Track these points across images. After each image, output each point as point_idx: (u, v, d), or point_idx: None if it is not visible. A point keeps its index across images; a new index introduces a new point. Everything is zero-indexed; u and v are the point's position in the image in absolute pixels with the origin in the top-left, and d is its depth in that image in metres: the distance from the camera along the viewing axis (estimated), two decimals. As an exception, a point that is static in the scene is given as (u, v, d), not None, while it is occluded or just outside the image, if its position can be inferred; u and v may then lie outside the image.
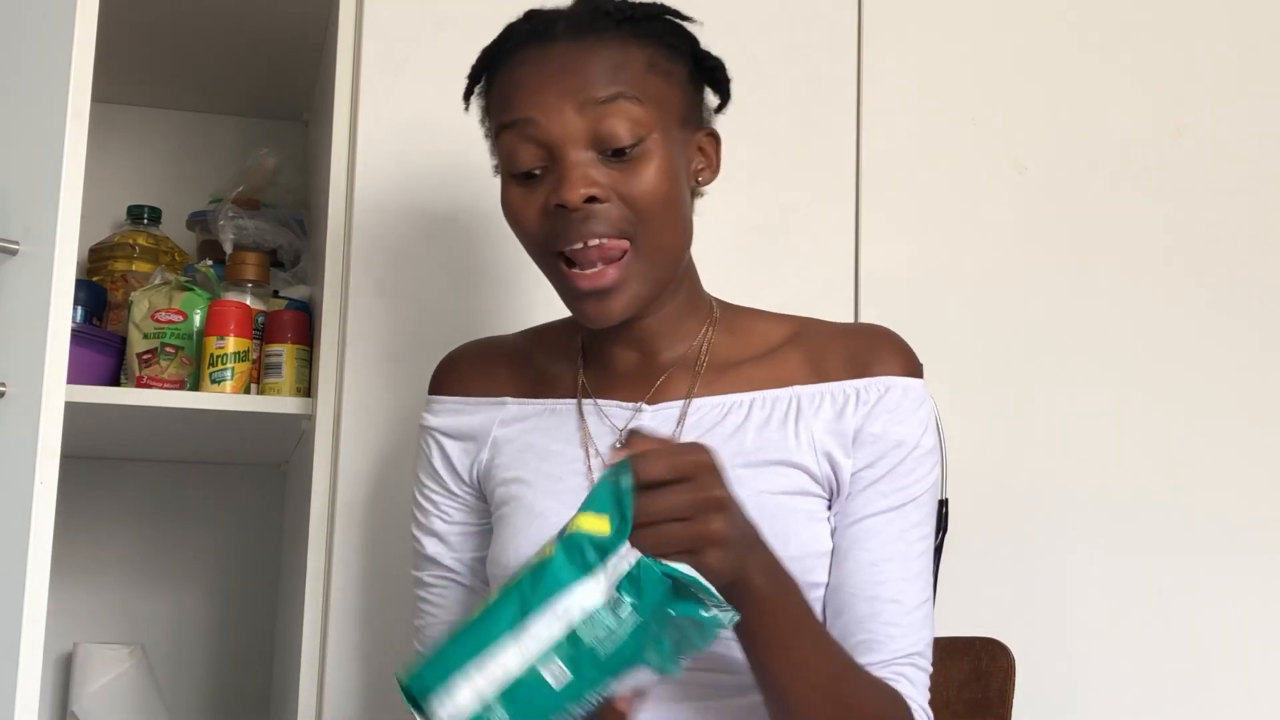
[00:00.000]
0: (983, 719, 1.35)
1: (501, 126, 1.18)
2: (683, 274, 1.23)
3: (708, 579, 0.94)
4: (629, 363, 1.24)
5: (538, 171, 1.16)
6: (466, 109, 1.26)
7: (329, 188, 1.67)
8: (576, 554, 0.91)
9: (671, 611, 0.92)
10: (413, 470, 1.32)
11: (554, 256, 1.16)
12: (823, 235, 1.76)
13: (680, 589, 0.92)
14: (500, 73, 1.20)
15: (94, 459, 2.09)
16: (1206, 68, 1.91)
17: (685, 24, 1.22)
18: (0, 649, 1.15)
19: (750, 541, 1.01)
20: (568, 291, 1.18)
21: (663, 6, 1.22)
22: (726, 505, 0.96)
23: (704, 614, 0.92)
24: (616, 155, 1.15)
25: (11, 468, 1.20)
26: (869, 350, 1.22)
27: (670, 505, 0.94)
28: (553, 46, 1.17)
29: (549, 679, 0.89)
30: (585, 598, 0.90)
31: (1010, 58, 1.85)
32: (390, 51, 1.68)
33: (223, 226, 1.87)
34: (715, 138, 1.25)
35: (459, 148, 1.67)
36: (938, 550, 1.71)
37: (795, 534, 1.16)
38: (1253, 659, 1.80)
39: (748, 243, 1.73)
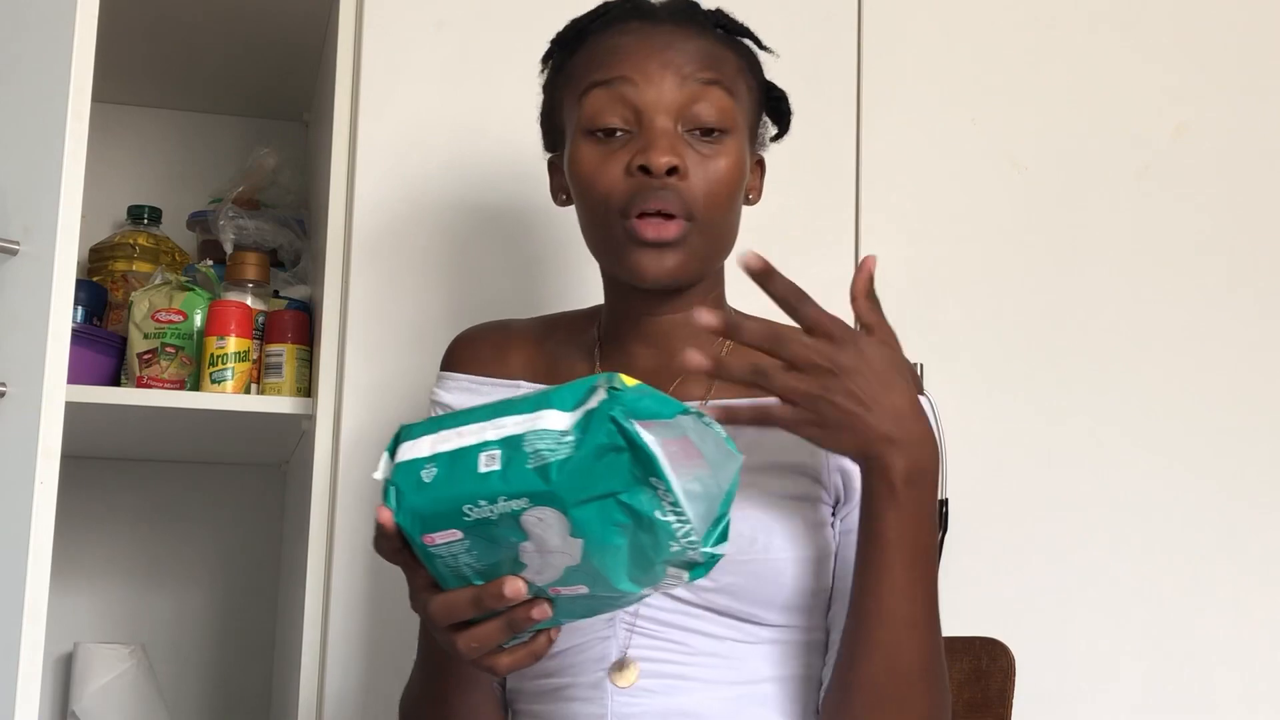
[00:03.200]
0: (983, 719, 1.35)
1: (593, 84, 1.20)
2: (715, 279, 1.26)
3: (824, 443, 1.05)
4: (647, 360, 1.25)
5: (619, 133, 1.18)
6: (543, 71, 1.28)
7: (329, 188, 1.67)
8: (580, 385, 0.95)
9: (624, 498, 0.91)
10: None
11: (619, 216, 1.18)
12: (823, 235, 1.76)
13: (635, 484, 0.91)
14: (596, 38, 1.23)
15: (94, 459, 2.09)
16: (1206, 67, 1.91)
17: (763, 51, 1.27)
18: (0, 649, 1.15)
19: (902, 438, 1.07)
20: (627, 243, 1.18)
21: (748, 29, 1.27)
22: (851, 373, 1.05)
23: (655, 513, 0.91)
24: (703, 135, 1.18)
25: (11, 468, 1.20)
26: None
27: (796, 353, 1.05)
28: (658, 25, 1.21)
29: (481, 461, 0.93)
30: (554, 418, 0.93)
31: (1010, 58, 1.85)
32: (390, 51, 1.68)
33: (223, 226, 1.87)
34: (763, 167, 1.30)
35: (459, 147, 1.67)
36: (938, 550, 1.71)
37: (810, 538, 1.18)
38: (1252, 659, 1.80)
39: (748, 243, 1.72)
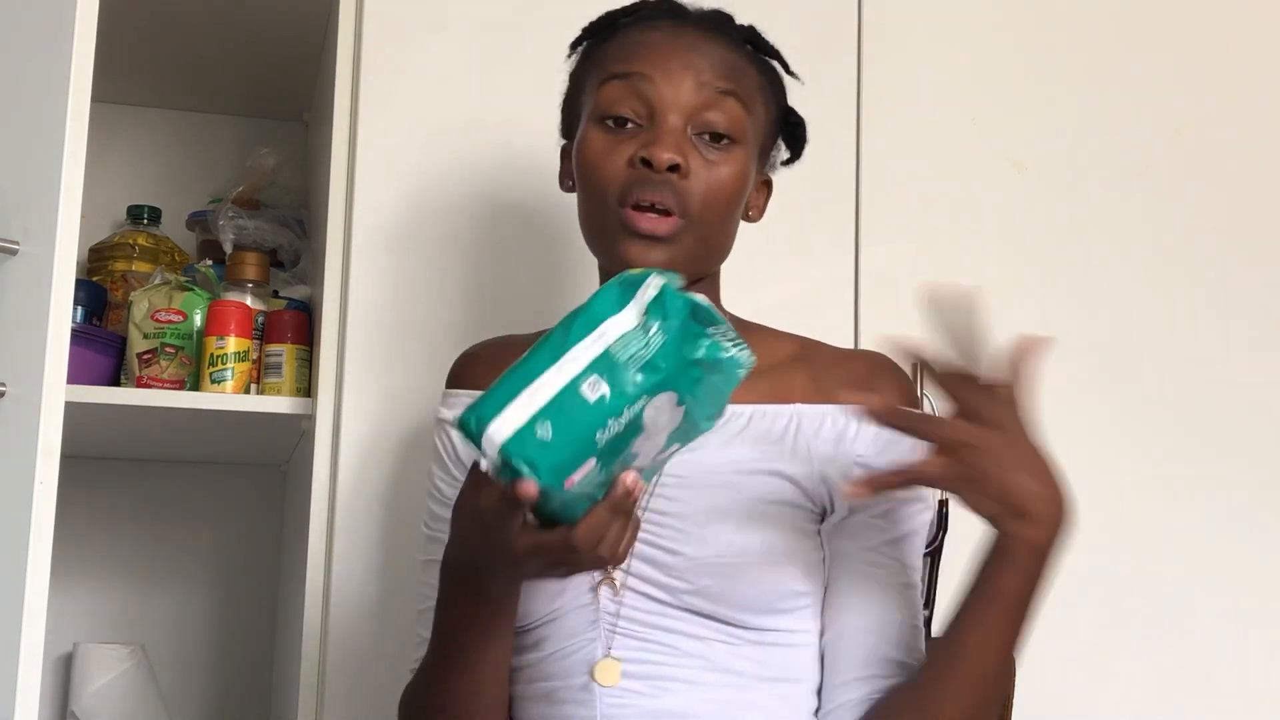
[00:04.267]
0: (983, 719, 1.36)
1: (612, 75, 1.22)
2: (708, 286, 1.27)
3: (976, 508, 1.09)
4: None
5: (629, 124, 1.20)
6: (570, 56, 1.30)
7: (329, 188, 1.67)
8: (610, 292, 1.00)
9: (699, 353, 0.99)
10: (427, 465, 1.32)
11: (615, 204, 1.19)
12: (823, 235, 1.76)
13: (702, 336, 1.00)
14: (625, 31, 1.25)
15: (94, 459, 2.08)
16: (1206, 68, 1.91)
17: (790, 76, 1.30)
18: (0, 649, 1.15)
19: (1042, 498, 1.11)
20: (620, 231, 1.19)
21: (777, 51, 1.29)
22: (1011, 435, 1.14)
23: (724, 354, 1.00)
24: (711, 140, 1.20)
25: (11, 468, 1.20)
26: (870, 378, 1.25)
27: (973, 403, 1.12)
28: (687, 28, 1.23)
29: (586, 393, 0.97)
30: (618, 324, 0.99)
31: (1010, 58, 1.85)
32: (390, 51, 1.68)
33: (223, 226, 1.87)
34: (769, 187, 1.31)
35: (459, 148, 1.67)
36: (938, 550, 1.71)
37: (789, 543, 1.18)
38: (1253, 659, 1.80)
39: (748, 242, 1.72)
